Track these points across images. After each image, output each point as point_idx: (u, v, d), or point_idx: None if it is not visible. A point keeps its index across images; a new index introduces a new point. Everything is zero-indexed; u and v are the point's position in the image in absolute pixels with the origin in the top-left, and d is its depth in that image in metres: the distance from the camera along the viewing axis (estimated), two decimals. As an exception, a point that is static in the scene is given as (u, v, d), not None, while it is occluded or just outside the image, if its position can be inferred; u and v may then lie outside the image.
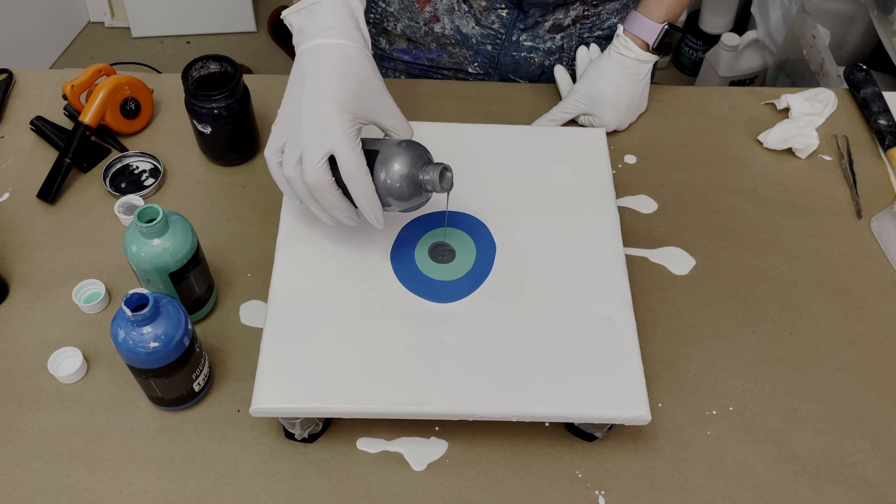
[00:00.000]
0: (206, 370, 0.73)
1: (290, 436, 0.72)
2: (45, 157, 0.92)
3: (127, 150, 0.93)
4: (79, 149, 0.89)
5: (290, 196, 0.70)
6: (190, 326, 0.68)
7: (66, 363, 0.75)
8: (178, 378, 0.69)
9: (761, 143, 0.98)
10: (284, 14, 0.72)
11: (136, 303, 0.64)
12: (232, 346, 0.78)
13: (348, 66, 0.67)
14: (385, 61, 1.07)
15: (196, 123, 0.87)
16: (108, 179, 0.89)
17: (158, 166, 0.91)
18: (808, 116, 0.99)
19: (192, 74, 0.87)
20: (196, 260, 0.74)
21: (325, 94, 0.65)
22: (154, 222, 0.68)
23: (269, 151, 0.68)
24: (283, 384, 0.65)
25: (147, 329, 0.64)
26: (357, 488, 0.70)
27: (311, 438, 0.72)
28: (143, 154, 0.92)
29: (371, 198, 0.65)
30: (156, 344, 0.65)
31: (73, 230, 0.86)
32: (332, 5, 0.68)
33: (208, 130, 0.87)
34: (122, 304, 0.63)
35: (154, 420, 0.73)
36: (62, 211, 0.88)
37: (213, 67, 0.88)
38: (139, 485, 0.70)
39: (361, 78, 0.67)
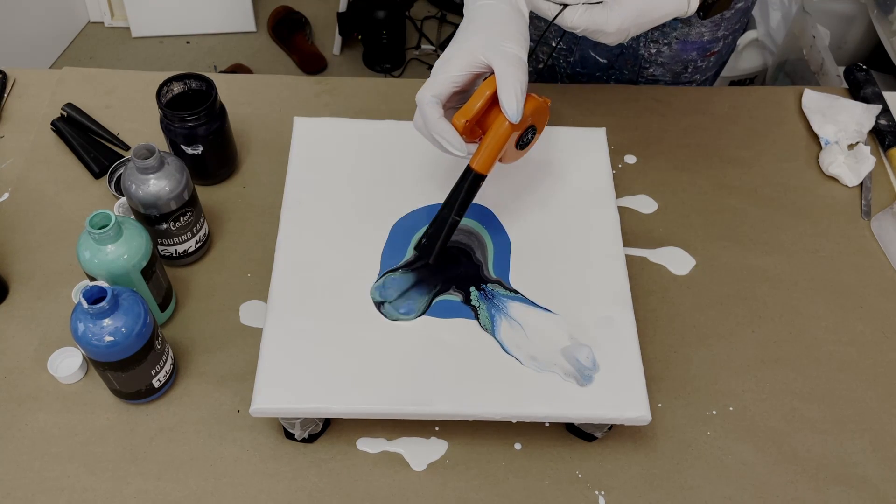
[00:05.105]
0: (167, 367, 0.73)
1: (290, 436, 0.72)
2: (45, 157, 0.92)
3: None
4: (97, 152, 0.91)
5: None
6: (150, 321, 0.68)
7: (66, 363, 0.75)
8: (136, 372, 0.69)
9: (762, 144, 0.98)
10: None
11: (96, 296, 0.64)
12: (232, 345, 0.78)
13: (492, 17, 0.67)
14: None
15: (183, 147, 0.84)
16: (112, 183, 0.89)
17: None
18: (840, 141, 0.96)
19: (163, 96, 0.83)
20: (151, 267, 0.73)
21: (458, 39, 0.67)
22: (106, 228, 0.68)
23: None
24: (283, 384, 0.65)
25: (106, 322, 0.64)
26: (357, 488, 0.70)
27: (311, 438, 0.72)
28: None
29: (448, 134, 0.65)
30: (112, 338, 0.65)
31: (73, 230, 0.86)
32: None
33: (199, 150, 0.85)
34: (81, 297, 0.63)
35: (154, 420, 0.73)
36: (62, 211, 0.88)
37: (177, 88, 0.85)
38: (139, 485, 0.70)
39: (504, 27, 0.67)
